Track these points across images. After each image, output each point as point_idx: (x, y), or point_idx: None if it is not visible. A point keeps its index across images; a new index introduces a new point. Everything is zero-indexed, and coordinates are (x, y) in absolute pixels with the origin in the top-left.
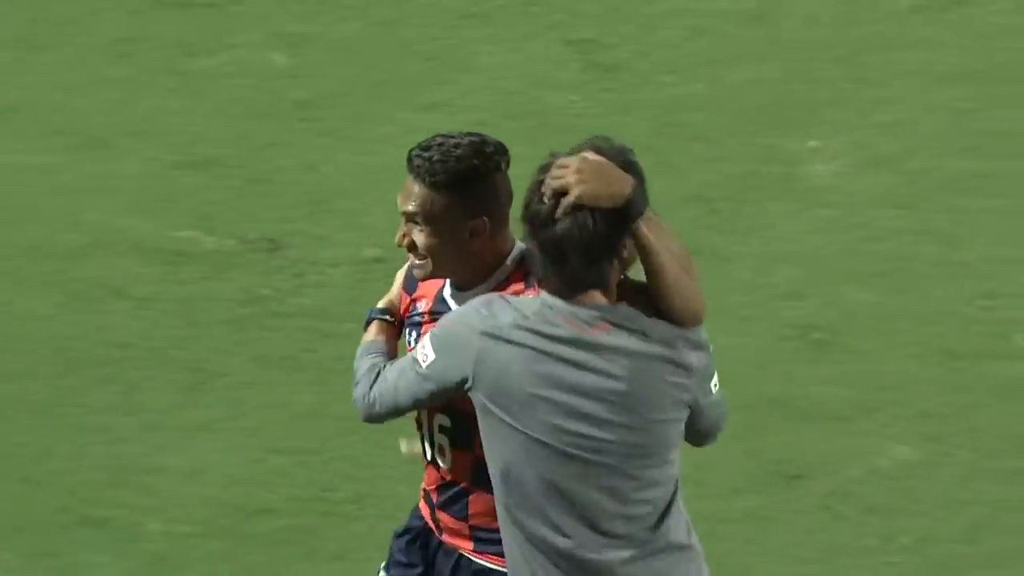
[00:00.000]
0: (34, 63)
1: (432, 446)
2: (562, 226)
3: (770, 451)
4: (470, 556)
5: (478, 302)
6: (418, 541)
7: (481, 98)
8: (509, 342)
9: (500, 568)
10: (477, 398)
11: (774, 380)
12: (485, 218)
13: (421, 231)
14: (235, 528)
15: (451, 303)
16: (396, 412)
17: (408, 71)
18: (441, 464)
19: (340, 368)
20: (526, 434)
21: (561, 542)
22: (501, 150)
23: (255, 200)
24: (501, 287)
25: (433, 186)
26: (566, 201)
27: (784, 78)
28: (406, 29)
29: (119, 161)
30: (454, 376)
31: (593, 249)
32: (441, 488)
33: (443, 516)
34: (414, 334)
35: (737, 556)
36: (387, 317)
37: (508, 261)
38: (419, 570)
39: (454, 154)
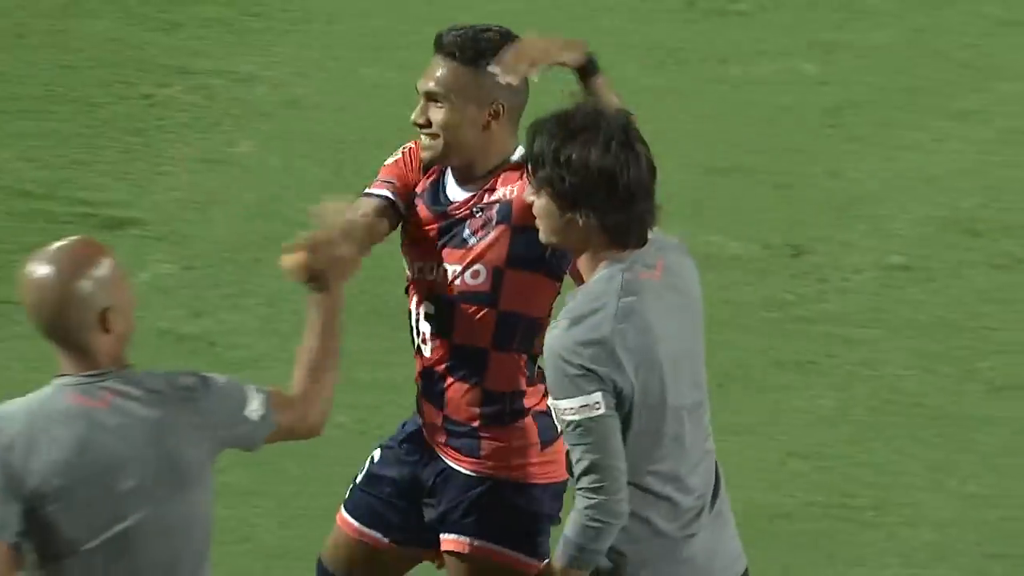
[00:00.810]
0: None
1: (417, 334)
2: (628, 171)
3: None
4: (441, 455)
5: (566, 328)
6: (414, 438)
7: (1016, 106)
8: (628, 322)
9: (461, 469)
10: (622, 393)
11: None
12: (504, 103)
13: (441, 107)
14: (754, 530)
15: (449, 192)
16: (623, 472)
17: (941, 78)
18: (424, 352)
19: (863, 374)
20: (645, 392)
21: (687, 502)
22: None
23: (781, 206)
24: (496, 177)
25: (463, 60)
26: (542, 61)
27: None
28: (940, 36)
29: None
30: (621, 391)
31: (651, 181)
32: (423, 374)
33: (422, 403)
34: (406, 215)
35: None
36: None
37: (512, 159)
38: (415, 457)
39: (485, 35)
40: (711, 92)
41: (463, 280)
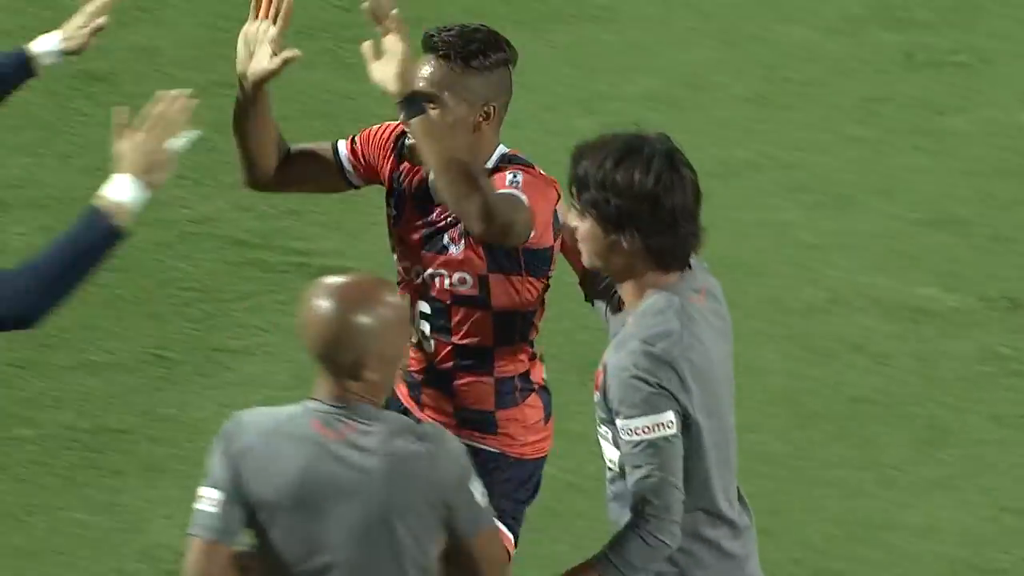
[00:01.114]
0: (776, 121)
1: (416, 330)
2: (673, 193)
3: None
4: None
5: (639, 348)
6: None
7: None
8: (691, 347)
9: (477, 444)
10: (689, 417)
11: None
12: (495, 105)
13: (432, 108)
14: None
15: (432, 191)
16: (682, 494)
17: None
18: (427, 348)
19: None
20: (710, 416)
21: (742, 521)
22: (513, 48)
23: (998, 259)
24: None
25: (455, 60)
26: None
27: None
28: None
29: (861, 218)
30: (689, 415)
31: (695, 205)
32: (427, 370)
33: (427, 394)
34: (395, 211)
35: None
36: None
37: (488, 165)
38: None
39: (477, 36)
40: (928, 144)
41: (452, 285)
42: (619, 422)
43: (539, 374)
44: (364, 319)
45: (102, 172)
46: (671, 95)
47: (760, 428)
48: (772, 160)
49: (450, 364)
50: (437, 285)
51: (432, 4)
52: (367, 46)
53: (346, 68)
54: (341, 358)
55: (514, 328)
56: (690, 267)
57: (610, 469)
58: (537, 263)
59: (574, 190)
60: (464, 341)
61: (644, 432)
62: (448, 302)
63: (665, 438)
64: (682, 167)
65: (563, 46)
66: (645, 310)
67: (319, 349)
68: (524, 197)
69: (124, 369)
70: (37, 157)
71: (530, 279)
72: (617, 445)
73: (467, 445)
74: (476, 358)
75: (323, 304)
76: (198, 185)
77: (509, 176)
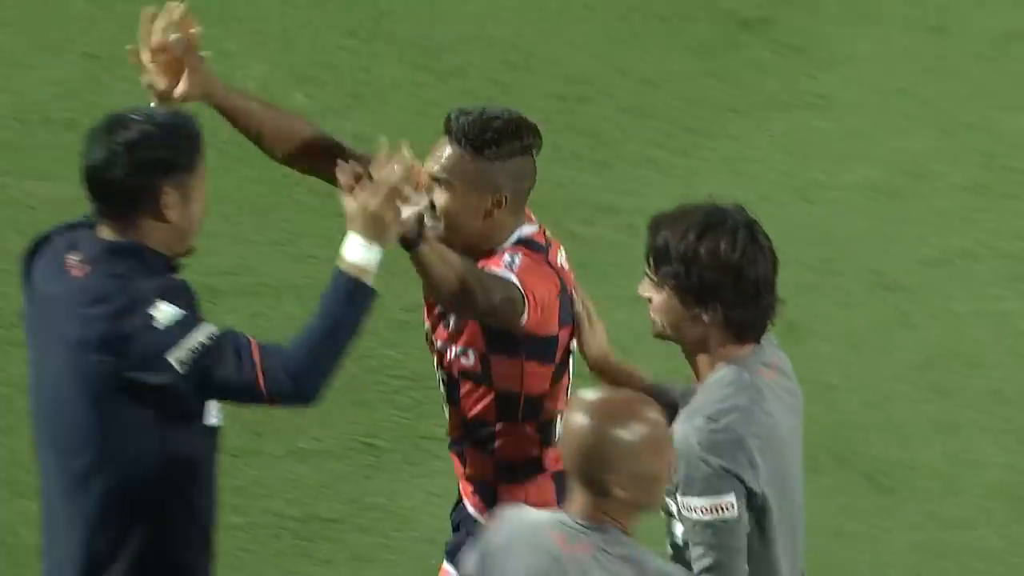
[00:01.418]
0: (997, 210)
1: (440, 395)
2: (756, 265)
3: None
4: (465, 501)
5: (704, 425)
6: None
7: None
8: (759, 422)
9: (480, 517)
10: (755, 494)
11: None
12: (508, 194)
13: (444, 193)
14: None
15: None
16: (745, 573)
17: None
18: (445, 413)
19: None
20: (777, 492)
21: None
22: (536, 134)
23: None
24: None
25: (468, 147)
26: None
27: None
28: None
29: None
30: (755, 495)
31: (774, 276)
32: (450, 437)
33: (454, 460)
34: None
35: None
36: None
37: (505, 243)
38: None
39: (494, 125)
40: None
41: (457, 359)
42: (679, 497)
43: (555, 462)
44: (618, 434)
45: (315, 259)
46: (890, 184)
47: (977, 523)
48: (992, 249)
49: (459, 433)
50: (447, 356)
51: (650, 93)
52: (345, 173)
53: (562, 155)
54: (592, 473)
55: (517, 409)
56: (760, 342)
57: (674, 545)
58: (539, 350)
59: (651, 261)
60: (469, 414)
61: (703, 512)
62: (456, 374)
63: (724, 520)
64: (761, 237)
65: (779, 134)
66: (714, 383)
67: (572, 463)
68: (515, 279)
69: (333, 457)
70: (250, 244)
71: (531, 363)
72: (680, 518)
73: (471, 517)
74: (480, 435)
75: (579, 418)
76: (406, 275)
77: (507, 258)
